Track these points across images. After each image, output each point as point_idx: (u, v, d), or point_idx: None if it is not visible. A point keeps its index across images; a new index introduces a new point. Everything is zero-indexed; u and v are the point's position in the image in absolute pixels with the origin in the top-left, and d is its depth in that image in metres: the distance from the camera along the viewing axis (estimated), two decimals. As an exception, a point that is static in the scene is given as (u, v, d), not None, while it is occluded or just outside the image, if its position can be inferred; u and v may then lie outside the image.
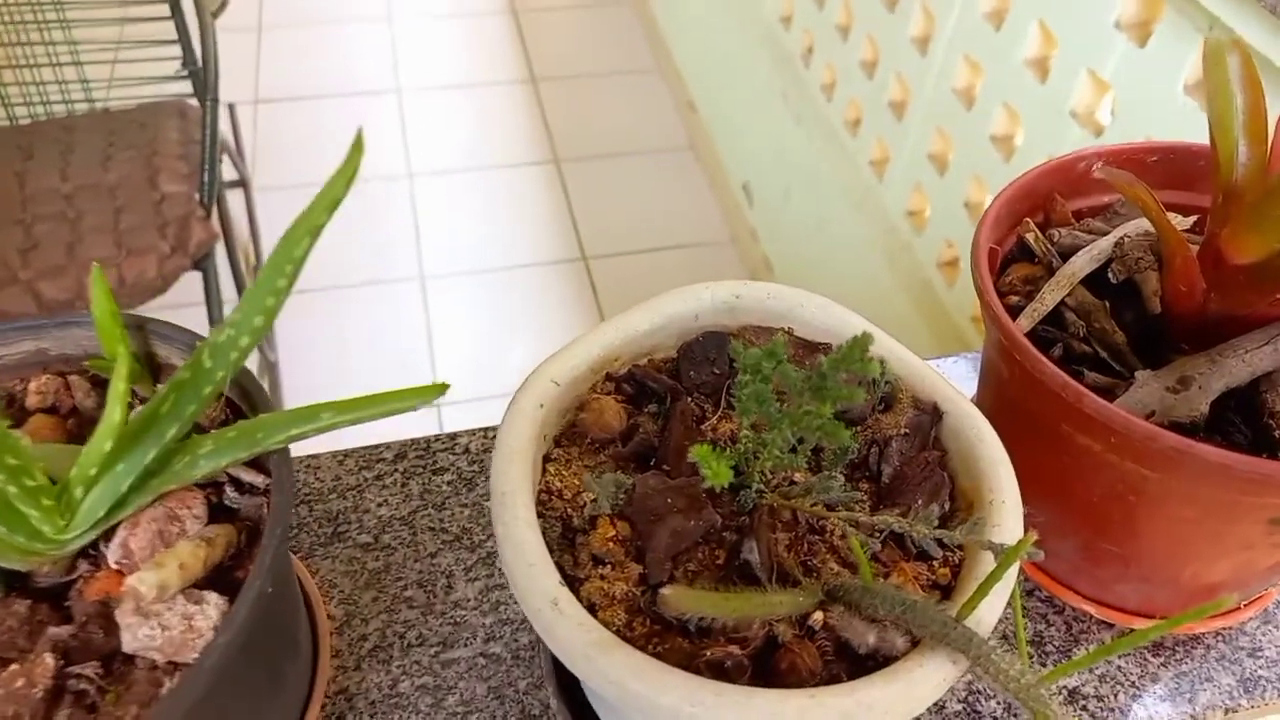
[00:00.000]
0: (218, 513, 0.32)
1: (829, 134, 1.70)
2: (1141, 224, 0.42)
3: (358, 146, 0.26)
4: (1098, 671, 0.44)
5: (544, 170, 2.33)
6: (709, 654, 0.28)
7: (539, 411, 0.33)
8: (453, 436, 0.51)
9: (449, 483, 0.49)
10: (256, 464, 0.33)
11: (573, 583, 0.30)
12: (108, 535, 0.31)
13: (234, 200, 1.66)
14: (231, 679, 0.30)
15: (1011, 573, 0.30)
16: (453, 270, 2.05)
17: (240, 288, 1.56)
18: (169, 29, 1.50)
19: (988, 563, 0.30)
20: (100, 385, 0.35)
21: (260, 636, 0.32)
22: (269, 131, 2.34)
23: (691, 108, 2.33)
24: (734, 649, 0.28)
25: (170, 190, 1.46)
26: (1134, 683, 0.44)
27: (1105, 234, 0.42)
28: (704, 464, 0.28)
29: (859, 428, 0.35)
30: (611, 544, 0.31)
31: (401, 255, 2.04)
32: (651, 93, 2.48)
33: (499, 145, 2.35)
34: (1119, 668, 0.44)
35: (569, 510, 0.32)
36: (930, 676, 0.28)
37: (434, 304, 1.97)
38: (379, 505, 0.48)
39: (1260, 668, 0.45)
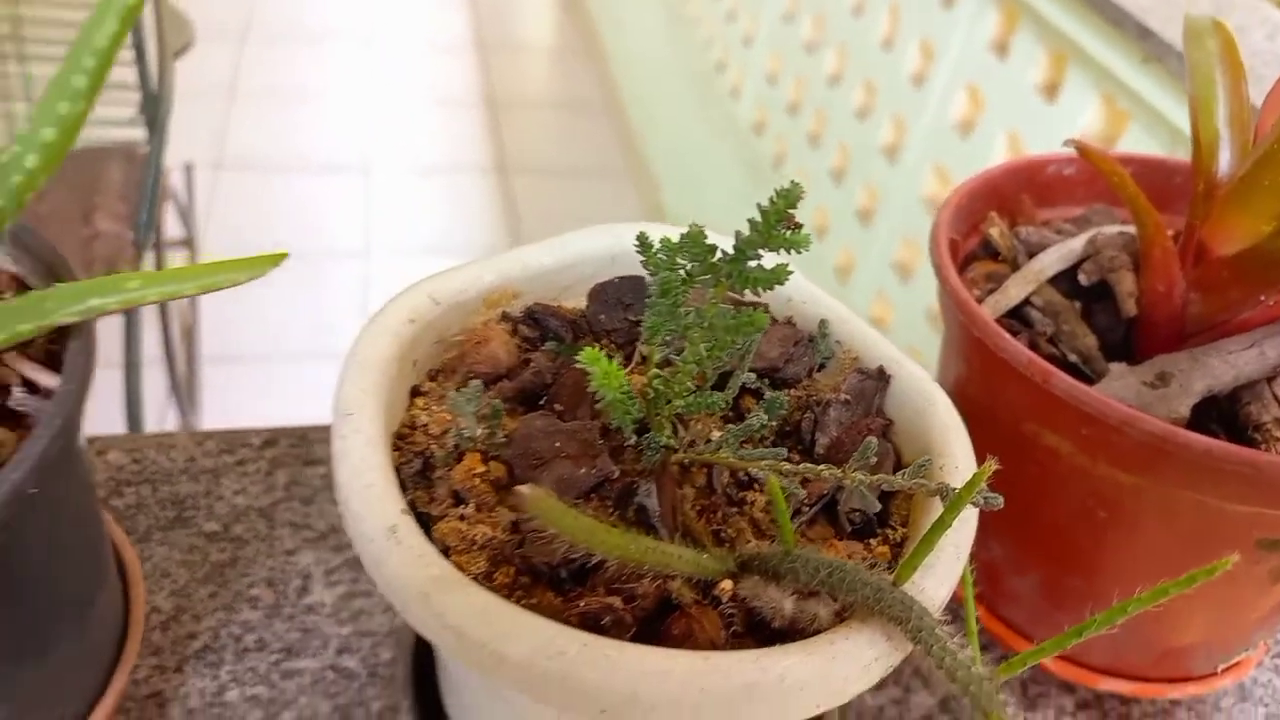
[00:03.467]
0: (3, 418, 0.26)
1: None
2: (1115, 228, 0.39)
3: None
4: (1059, 742, 0.37)
5: (510, 260, 2.31)
6: (583, 604, 0.22)
7: (408, 328, 0.27)
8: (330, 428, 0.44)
9: (322, 476, 0.42)
10: (55, 365, 0.27)
11: (423, 520, 0.24)
12: None
13: (178, 261, 1.61)
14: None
15: (964, 547, 0.24)
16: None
17: (167, 347, 1.49)
18: (129, 73, 1.48)
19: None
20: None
21: (21, 561, 0.25)
22: (227, 197, 2.32)
23: (659, 211, 2.35)
24: (615, 601, 0.22)
25: (104, 228, 1.41)
26: (1101, 757, 0.37)
27: (1075, 236, 0.39)
28: (593, 364, 0.22)
29: (791, 390, 0.29)
30: (479, 481, 0.25)
31: (346, 333, 1.98)
32: (620, 194, 2.52)
33: (464, 231, 2.35)
34: (1084, 738, 0.38)
35: (433, 447, 0.26)
36: (859, 652, 0.22)
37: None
38: (235, 494, 0.41)
39: (1242, 753, 0.39)
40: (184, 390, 1.49)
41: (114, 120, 1.54)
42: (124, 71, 1.53)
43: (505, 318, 0.31)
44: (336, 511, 0.40)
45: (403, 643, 0.35)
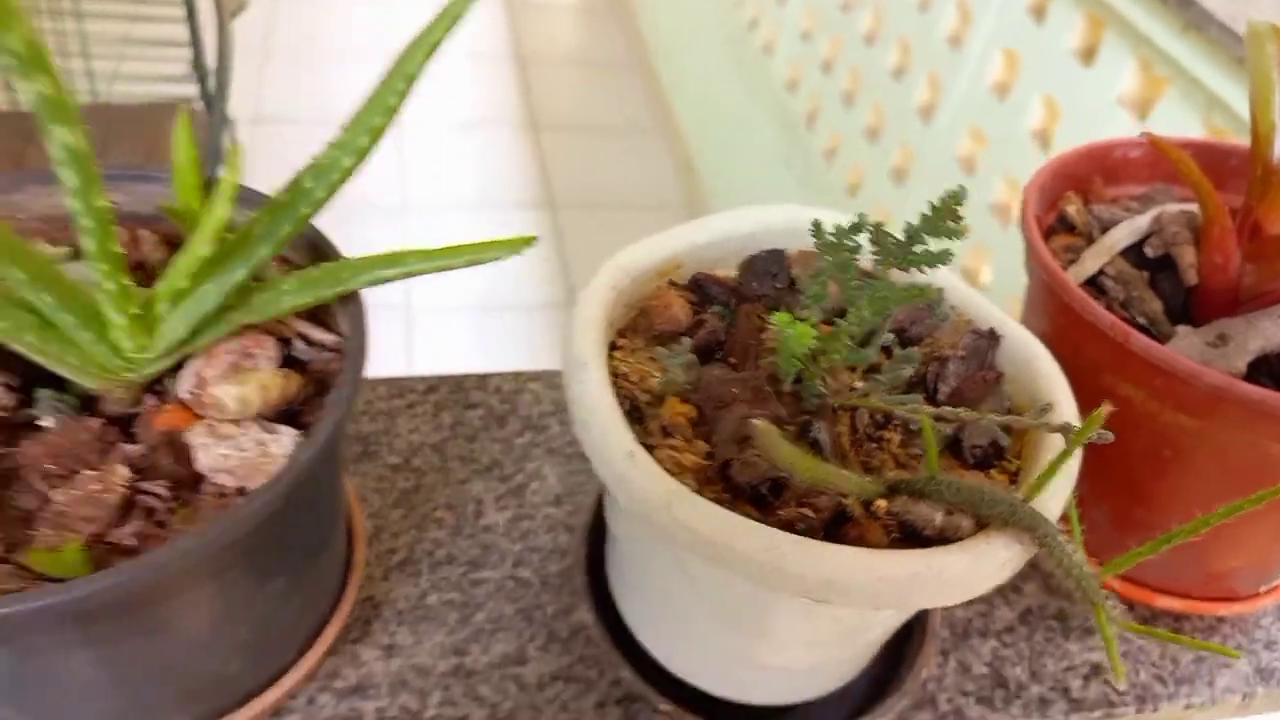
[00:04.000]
0: (287, 364, 0.32)
1: (831, 198, 1.75)
2: (1178, 205, 0.44)
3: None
4: (1119, 650, 0.44)
5: (540, 215, 2.36)
6: (782, 513, 0.28)
7: (611, 293, 0.34)
8: (483, 376, 0.51)
9: (480, 418, 0.49)
10: (323, 323, 0.33)
11: (644, 448, 0.30)
12: (177, 371, 0.31)
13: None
14: (292, 517, 0.30)
15: (1073, 474, 0.31)
16: (439, 304, 2.05)
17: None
18: (180, 30, 1.52)
19: (1043, 464, 0.31)
20: (170, 242, 0.36)
21: (321, 484, 0.31)
22: (265, 152, 2.35)
23: (689, 168, 2.39)
24: (807, 511, 0.29)
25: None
26: (1154, 662, 0.44)
27: (1141, 213, 0.44)
28: (784, 327, 0.29)
29: (918, 346, 0.35)
30: (681, 419, 0.31)
31: (385, 288, 2.04)
32: (650, 151, 2.55)
33: (497, 186, 2.39)
34: (1140, 646, 0.45)
35: (635, 392, 0.32)
36: (997, 553, 0.28)
37: (417, 336, 1.96)
38: (410, 431, 0.47)
39: (1276, 660, 0.45)
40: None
41: (168, 76, 1.59)
42: (175, 29, 1.57)
43: (672, 285, 0.37)
44: (498, 448, 0.47)
45: (576, 556, 0.41)
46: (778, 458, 0.26)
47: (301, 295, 0.30)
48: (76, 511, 0.27)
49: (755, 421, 0.25)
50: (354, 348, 0.30)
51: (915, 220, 0.28)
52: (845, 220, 0.31)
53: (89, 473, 0.28)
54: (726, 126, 2.24)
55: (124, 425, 0.30)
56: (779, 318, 0.29)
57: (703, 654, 0.35)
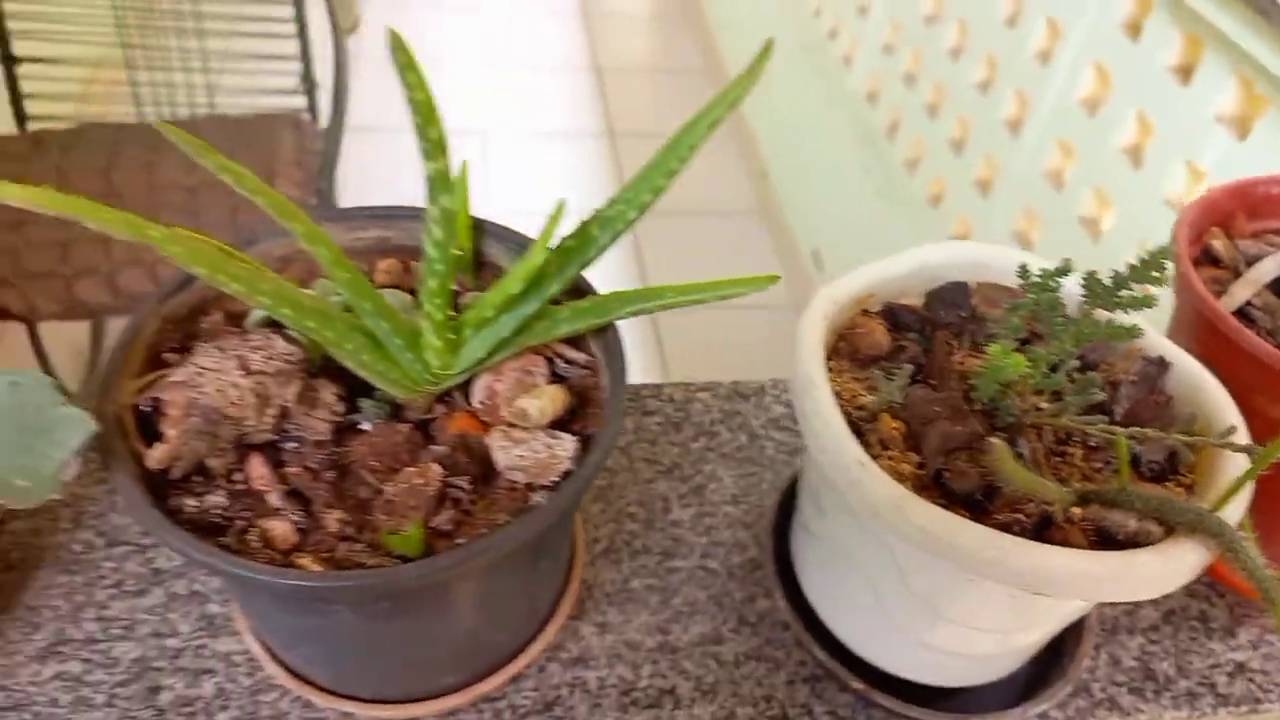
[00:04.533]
0: (553, 380, 0.38)
1: (911, 208, 1.78)
2: (1319, 241, 0.48)
3: (765, 54, 0.33)
4: (1261, 650, 0.48)
5: (617, 221, 2.40)
6: (999, 517, 0.33)
7: (823, 322, 0.38)
8: (658, 386, 0.56)
9: (658, 424, 0.54)
10: (575, 344, 0.39)
11: (866, 459, 0.35)
12: (464, 386, 0.37)
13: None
14: (566, 516, 0.35)
15: (1249, 488, 0.35)
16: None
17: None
18: (291, 45, 1.61)
19: (1220, 479, 0.35)
20: (437, 272, 0.41)
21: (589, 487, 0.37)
22: (356, 159, 2.45)
23: (763, 175, 2.42)
24: (1019, 516, 0.33)
25: (285, 194, 1.55)
26: (1288, 661, 0.48)
27: (1284, 247, 0.48)
28: (997, 359, 0.33)
29: (1095, 371, 0.40)
30: (895, 433, 0.36)
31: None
32: (724, 158, 2.59)
33: (577, 193, 2.45)
34: None
35: (849, 409, 0.37)
36: (1186, 556, 0.32)
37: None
38: (597, 435, 0.53)
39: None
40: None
41: (279, 89, 1.68)
42: (285, 44, 1.66)
43: (865, 313, 0.42)
44: (675, 451, 0.52)
45: (765, 550, 0.46)
46: (1005, 470, 0.31)
47: (574, 323, 0.36)
48: (404, 501, 0.33)
49: (993, 441, 0.30)
50: (617, 367, 0.36)
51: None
52: (1047, 264, 0.35)
53: (410, 469, 0.34)
54: (802, 135, 2.27)
55: (424, 429, 0.36)
56: (994, 349, 0.33)
57: (895, 639, 0.40)
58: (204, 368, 0.32)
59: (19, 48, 1.51)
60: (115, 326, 1.87)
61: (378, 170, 2.35)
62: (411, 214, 0.42)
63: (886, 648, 0.41)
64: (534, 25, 2.93)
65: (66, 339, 1.77)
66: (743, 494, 0.51)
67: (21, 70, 1.54)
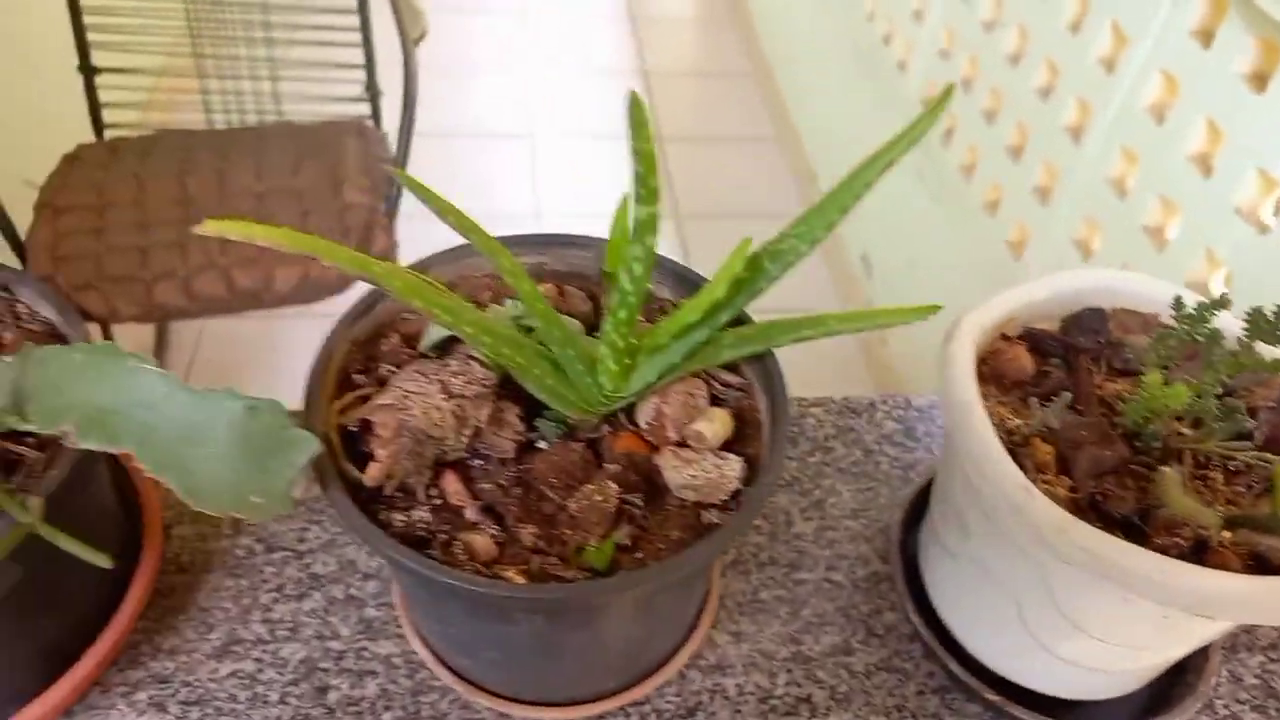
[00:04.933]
0: (712, 402, 0.40)
1: (966, 214, 1.78)
2: None
3: (947, 94, 0.34)
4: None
5: (665, 225, 2.43)
6: (1156, 541, 0.34)
7: (972, 347, 0.40)
8: (770, 401, 0.58)
9: (774, 438, 0.56)
10: (730, 367, 0.41)
11: (1021, 482, 0.37)
12: (628, 407, 0.39)
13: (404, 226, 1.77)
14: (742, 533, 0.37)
15: (1395, 514, 0.36)
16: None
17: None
18: (356, 54, 1.65)
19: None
20: (592, 297, 0.43)
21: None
22: (411, 163, 2.49)
23: (811, 178, 2.43)
24: (1177, 540, 0.35)
25: (353, 200, 1.59)
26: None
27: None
28: (1154, 388, 0.35)
29: (1236, 398, 0.41)
30: (1048, 457, 0.37)
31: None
32: (770, 162, 2.60)
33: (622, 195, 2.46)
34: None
35: (999, 433, 0.39)
36: (1344, 581, 0.33)
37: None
38: (717, 449, 0.54)
39: None
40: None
41: (343, 97, 1.71)
42: (350, 53, 1.69)
43: (1004, 337, 0.43)
44: (794, 465, 0.53)
45: (895, 565, 0.48)
46: (1170, 496, 0.33)
47: (738, 350, 0.38)
48: (586, 516, 0.35)
49: (1165, 469, 0.31)
50: (777, 392, 0.38)
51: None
52: (1200, 297, 0.37)
53: (588, 486, 0.36)
54: (851, 139, 2.27)
55: (593, 447, 0.38)
56: (1151, 378, 0.35)
57: (1032, 653, 0.41)
58: (410, 391, 0.34)
59: (97, 58, 1.56)
60: (177, 329, 1.92)
61: (434, 175, 2.39)
62: (565, 241, 0.44)
63: (1020, 661, 0.42)
64: (581, 30, 2.96)
65: (133, 340, 1.82)
66: (861, 508, 0.52)
67: (99, 80, 1.58)
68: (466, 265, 0.43)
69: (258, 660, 0.44)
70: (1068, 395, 0.39)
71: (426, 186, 0.35)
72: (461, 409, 0.35)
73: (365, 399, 0.38)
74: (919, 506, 0.50)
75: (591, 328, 0.40)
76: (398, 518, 0.34)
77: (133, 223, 1.50)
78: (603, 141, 2.56)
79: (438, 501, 0.35)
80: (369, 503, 0.35)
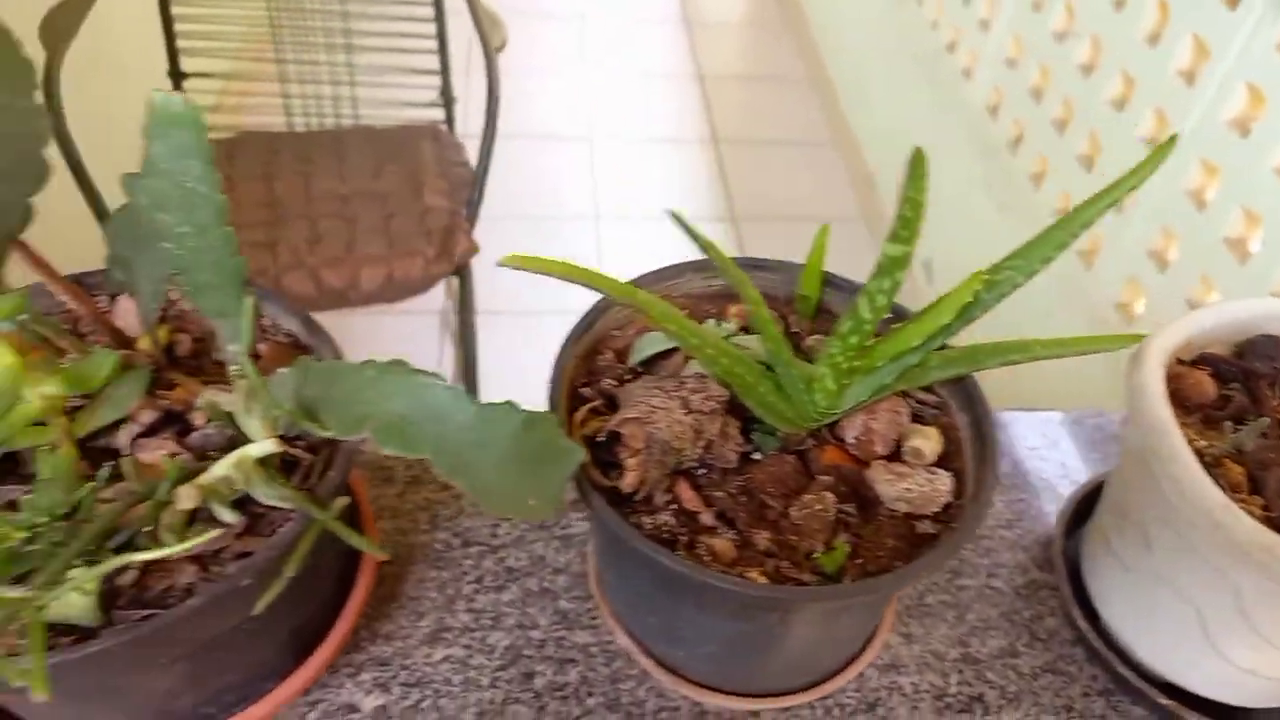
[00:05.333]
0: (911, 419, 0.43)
1: (1035, 223, 1.78)
2: None
3: (1170, 143, 0.37)
4: None
5: (722, 227, 2.45)
6: (1358, 559, 0.37)
7: (1161, 371, 0.42)
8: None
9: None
10: (925, 387, 0.43)
11: (1215, 500, 0.39)
12: (831, 423, 0.42)
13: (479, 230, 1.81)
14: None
15: None
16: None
17: (464, 305, 1.71)
18: (431, 60, 1.69)
19: None
20: (784, 317, 0.46)
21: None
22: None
23: (869, 183, 2.44)
24: (1377, 558, 0.37)
25: (434, 204, 1.63)
26: None
27: None
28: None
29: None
30: (1240, 478, 0.40)
31: (581, 292, 2.17)
32: (826, 165, 2.61)
33: (681, 198, 2.49)
34: None
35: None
36: None
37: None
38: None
39: None
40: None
41: (418, 102, 1.75)
42: (425, 59, 1.74)
43: (1180, 363, 0.45)
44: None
45: (1060, 574, 0.50)
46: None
47: (943, 371, 0.40)
48: (808, 524, 0.38)
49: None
50: (980, 411, 0.40)
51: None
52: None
53: (808, 495, 0.39)
54: (912, 144, 2.28)
55: (802, 459, 0.41)
56: (1347, 405, 0.37)
57: (1208, 662, 0.44)
58: (654, 407, 0.37)
59: (185, 64, 1.61)
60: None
61: (497, 176, 2.42)
62: (755, 264, 0.47)
63: (1194, 668, 0.45)
64: (637, 33, 2.98)
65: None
66: (1015, 519, 0.55)
67: (187, 85, 1.63)
68: (666, 287, 0.46)
69: (466, 646, 0.47)
70: (1265, 420, 0.41)
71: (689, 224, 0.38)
72: (699, 423, 0.38)
73: (596, 411, 0.41)
74: (1074, 518, 0.52)
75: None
76: (645, 521, 0.37)
77: (261, 220, 1.55)
78: (658, 145, 2.59)
79: (674, 507, 0.38)
80: (615, 507, 0.38)
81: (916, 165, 0.33)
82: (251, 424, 0.37)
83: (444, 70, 1.75)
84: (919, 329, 0.37)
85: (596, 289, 0.36)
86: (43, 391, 0.35)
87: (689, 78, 2.84)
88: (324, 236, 1.59)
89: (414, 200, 1.66)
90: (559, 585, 0.50)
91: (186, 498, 0.34)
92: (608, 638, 0.48)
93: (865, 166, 2.46)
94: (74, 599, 0.32)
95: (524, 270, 0.33)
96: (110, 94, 1.66)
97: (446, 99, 1.77)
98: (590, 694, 0.46)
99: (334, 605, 0.45)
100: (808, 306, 0.46)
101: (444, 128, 1.80)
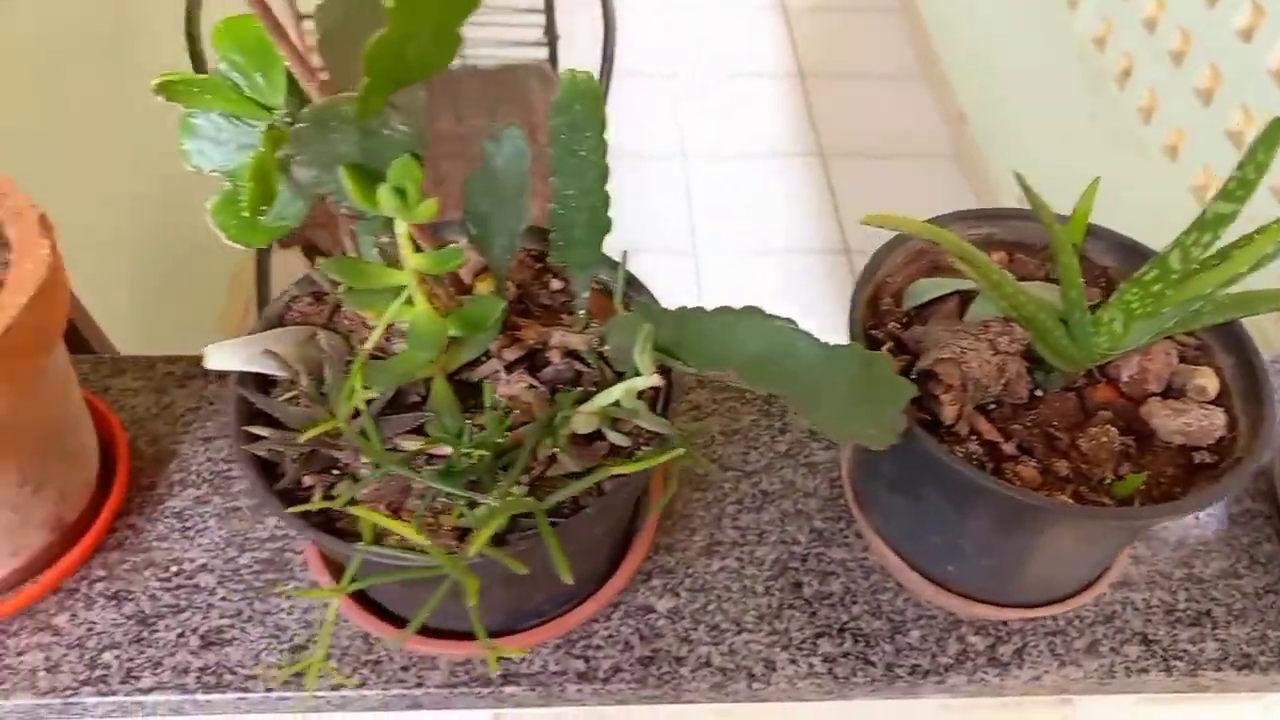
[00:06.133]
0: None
1: (1143, 158, 1.76)
2: None
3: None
4: None
5: (810, 162, 2.45)
6: None
7: None
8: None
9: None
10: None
11: None
12: (1103, 364, 0.46)
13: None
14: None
15: None
16: (725, 249, 2.19)
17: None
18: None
19: None
20: (1041, 264, 0.50)
21: None
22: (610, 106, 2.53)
23: (961, 118, 2.41)
24: None
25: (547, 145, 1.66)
26: None
27: None
28: None
29: None
30: None
31: (675, 230, 2.20)
32: (916, 100, 2.58)
33: (768, 135, 2.49)
34: None
35: None
36: None
37: (705, 278, 2.12)
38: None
39: None
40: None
41: (521, 41, 1.77)
42: None
43: None
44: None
45: (1277, 502, 0.54)
46: None
47: (1215, 316, 0.44)
48: (1097, 454, 0.43)
49: None
50: (1252, 351, 0.44)
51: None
52: None
53: (1093, 428, 0.43)
54: (1008, 79, 2.24)
55: (1079, 396, 0.45)
56: None
57: None
58: (964, 348, 0.42)
59: (301, 5, 1.64)
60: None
61: (642, 117, 2.43)
62: (1011, 214, 0.51)
63: None
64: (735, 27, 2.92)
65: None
66: (1224, 451, 0.59)
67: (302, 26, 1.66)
68: (931, 234, 0.50)
69: (738, 559, 0.53)
70: None
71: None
72: (1004, 363, 0.42)
73: (893, 351, 0.45)
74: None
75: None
76: (957, 450, 0.42)
77: None
78: (744, 80, 2.57)
79: (974, 438, 0.43)
80: (937, 438, 0.42)
81: (1273, 130, 0.36)
82: (640, 360, 0.41)
83: (549, 9, 1.76)
84: (1212, 277, 0.41)
85: (929, 237, 0.40)
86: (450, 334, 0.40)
87: (773, 8, 2.80)
88: (446, 178, 1.63)
89: (531, 142, 1.68)
90: (811, 507, 0.55)
91: (585, 423, 0.40)
92: (862, 554, 0.53)
93: (956, 102, 2.43)
94: (527, 501, 0.38)
95: (885, 228, 0.38)
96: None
97: (551, 38, 1.79)
98: (854, 602, 0.52)
99: (633, 524, 0.51)
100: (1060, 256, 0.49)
101: (548, 66, 1.82)
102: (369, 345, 0.40)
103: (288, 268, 1.62)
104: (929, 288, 0.48)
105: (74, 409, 0.49)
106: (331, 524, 0.40)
